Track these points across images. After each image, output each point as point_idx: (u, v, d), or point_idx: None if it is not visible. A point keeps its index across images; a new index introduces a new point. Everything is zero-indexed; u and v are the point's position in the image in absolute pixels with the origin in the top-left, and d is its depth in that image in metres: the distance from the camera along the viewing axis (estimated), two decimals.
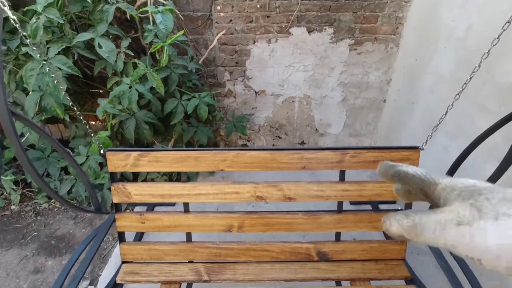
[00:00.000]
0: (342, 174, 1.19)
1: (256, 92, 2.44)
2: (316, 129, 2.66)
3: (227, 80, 2.37)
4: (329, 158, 1.13)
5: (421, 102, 2.00)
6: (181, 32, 1.66)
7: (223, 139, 2.65)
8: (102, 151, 1.10)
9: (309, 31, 2.20)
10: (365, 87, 2.46)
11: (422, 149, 1.21)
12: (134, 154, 1.07)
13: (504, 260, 0.20)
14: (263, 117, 2.58)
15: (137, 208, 1.87)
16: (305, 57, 2.30)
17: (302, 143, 2.75)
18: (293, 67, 2.33)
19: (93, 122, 2.45)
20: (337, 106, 2.55)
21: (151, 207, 1.53)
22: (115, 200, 1.12)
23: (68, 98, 1.10)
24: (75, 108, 1.10)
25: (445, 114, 1.13)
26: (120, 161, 1.08)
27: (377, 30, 2.22)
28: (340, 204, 1.21)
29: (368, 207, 1.92)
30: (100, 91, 2.12)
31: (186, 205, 1.17)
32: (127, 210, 2.08)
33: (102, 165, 1.96)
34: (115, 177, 1.11)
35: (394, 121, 2.38)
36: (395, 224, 0.27)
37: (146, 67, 1.78)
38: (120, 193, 1.11)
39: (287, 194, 1.15)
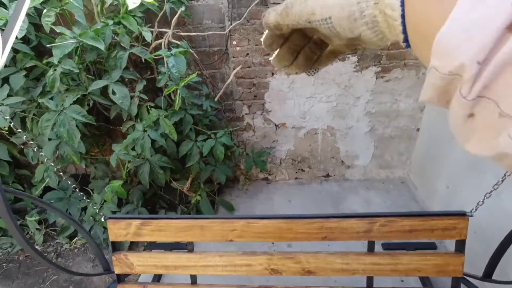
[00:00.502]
0: (371, 244, 1.01)
1: (276, 125, 2.33)
2: (342, 161, 2.48)
3: (246, 114, 2.29)
4: (355, 228, 0.96)
5: None
6: (194, 74, 1.60)
7: (243, 173, 2.55)
8: (103, 218, 1.02)
9: (310, 74, 2.05)
10: (395, 116, 2.26)
11: (470, 215, 1.01)
12: (136, 222, 0.99)
13: (336, 12, 0.23)
14: (284, 150, 2.44)
15: (142, 277, 1.76)
16: (328, 87, 2.15)
17: (327, 175, 2.56)
18: (314, 98, 2.20)
19: None
20: (364, 137, 2.36)
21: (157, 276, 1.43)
22: (117, 271, 1.04)
23: (83, 145, 1.06)
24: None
25: (502, 180, 0.93)
26: (121, 230, 1.00)
27: (406, 55, 2.03)
28: (369, 280, 1.03)
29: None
30: (119, 128, 2.12)
31: (193, 276, 1.05)
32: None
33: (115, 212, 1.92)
34: (116, 247, 1.03)
35: (431, 154, 2.14)
36: (272, 12, 0.27)
37: (161, 108, 1.74)
38: (122, 263, 1.03)
39: (306, 267, 0.99)
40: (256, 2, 1.86)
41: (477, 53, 0.15)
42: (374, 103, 2.20)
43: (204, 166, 2.03)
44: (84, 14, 1.77)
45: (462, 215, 1.02)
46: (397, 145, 2.39)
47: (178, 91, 1.57)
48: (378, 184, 2.51)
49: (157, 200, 2.39)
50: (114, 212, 1.76)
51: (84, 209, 2.14)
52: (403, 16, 0.20)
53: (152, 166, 1.72)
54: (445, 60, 0.17)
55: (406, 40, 0.21)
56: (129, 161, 1.72)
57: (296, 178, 2.60)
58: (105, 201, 1.79)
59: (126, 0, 1.45)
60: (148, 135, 1.59)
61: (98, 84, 1.57)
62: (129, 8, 1.45)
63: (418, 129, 2.30)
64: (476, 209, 1.05)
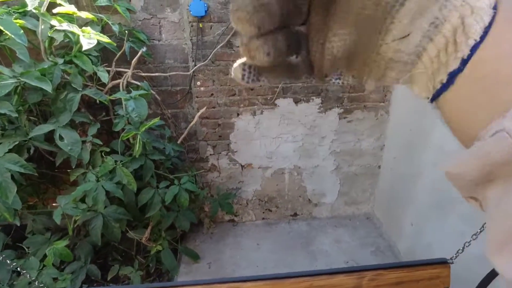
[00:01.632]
0: None
1: (242, 166, 2.24)
2: (309, 199, 2.45)
3: (210, 154, 2.18)
4: (344, 285, 0.89)
5: (423, 177, 1.84)
6: (157, 119, 1.48)
7: (208, 216, 2.38)
8: None
9: (296, 101, 2.08)
10: (358, 154, 2.32)
11: (451, 263, 1.00)
12: None
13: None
14: (251, 191, 2.35)
15: None
16: (294, 128, 2.16)
17: (295, 214, 2.51)
18: (281, 138, 2.18)
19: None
20: (330, 175, 2.37)
21: None
22: None
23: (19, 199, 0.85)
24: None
25: (480, 230, 0.93)
26: None
27: (365, 98, 2.13)
28: None
29: None
30: (66, 174, 1.86)
31: None
32: None
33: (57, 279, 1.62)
34: None
35: (394, 191, 2.20)
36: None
37: (118, 153, 1.57)
38: None
39: None
40: (221, 44, 1.84)
41: None
42: (339, 143, 2.25)
43: (165, 213, 1.84)
44: (29, 50, 1.60)
45: (444, 263, 1.00)
46: (361, 182, 2.43)
47: (138, 137, 1.43)
48: (345, 221, 2.51)
49: (109, 252, 2.10)
50: (55, 279, 1.48)
51: (18, 272, 1.79)
52: (475, 46, 0.15)
53: (105, 219, 1.50)
54: None
55: (452, 75, 0.16)
56: (77, 216, 1.49)
57: (263, 219, 2.50)
58: (44, 265, 1.51)
59: (80, 40, 1.32)
60: (103, 186, 1.39)
61: (42, 129, 1.37)
62: (84, 48, 1.32)
63: (379, 167, 2.38)
64: (456, 257, 1.05)
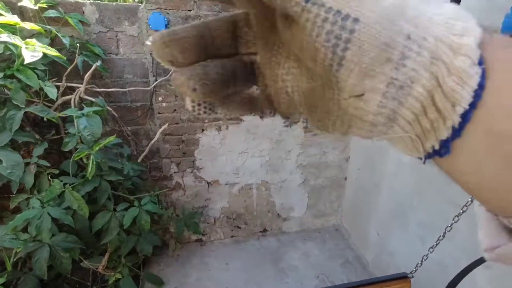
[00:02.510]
0: None
1: (208, 183, 2.17)
2: (278, 214, 2.42)
3: (174, 172, 2.08)
4: None
5: (385, 186, 1.89)
6: (113, 137, 1.38)
7: (173, 237, 2.25)
8: None
9: (261, 116, 2.07)
10: (325, 167, 2.35)
11: (411, 277, 1.01)
12: None
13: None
14: (218, 208, 2.27)
15: None
16: (260, 142, 2.14)
17: (264, 230, 2.46)
18: (247, 154, 2.15)
19: None
20: (297, 189, 2.37)
21: None
22: None
23: None
24: None
25: (436, 244, 0.95)
26: None
27: None
28: None
29: None
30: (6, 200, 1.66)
31: None
32: None
33: None
34: None
35: (359, 201, 2.25)
36: None
37: (69, 174, 1.43)
38: None
39: None
40: None
41: None
42: (305, 156, 2.26)
43: (125, 237, 1.70)
44: None
45: (404, 277, 1.02)
46: (328, 194, 2.46)
47: (92, 157, 1.31)
48: (314, 234, 2.50)
49: (60, 285, 1.89)
50: None
51: None
52: (473, 104, 0.12)
53: (52, 250, 1.35)
54: None
55: (445, 145, 0.13)
56: (19, 248, 1.32)
57: (232, 237, 2.42)
58: None
59: (23, 52, 1.20)
60: (48, 213, 1.25)
61: None
62: (26, 61, 1.20)
63: (345, 178, 2.43)
64: (415, 271, 1.06)
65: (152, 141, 1.79)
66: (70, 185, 1.33)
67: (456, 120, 0.13)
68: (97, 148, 1.34)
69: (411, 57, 0.13)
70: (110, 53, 1.77)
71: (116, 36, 1.75)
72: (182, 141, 2.02)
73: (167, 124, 1.84)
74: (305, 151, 2.25)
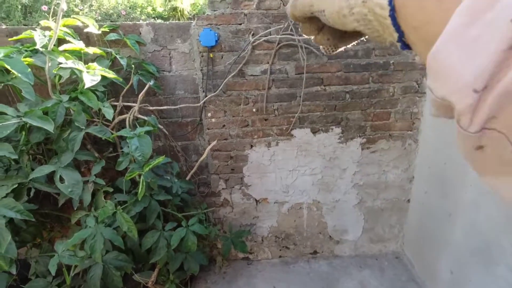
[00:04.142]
0: None
1: (256, 201, 2.09)
2: (330, 236, 2.24)
3: (222, 188, 2.05)
4: None
5: (462, 216, 1.60)
6: (162, 158, 1.38)
7: (220, 254, 2.21)
8: None
9: (314, 131, 1.93)
10: (384, 187, 2.11)
11: None
12: None
13: (329, 4, 0.23)
14: (267, 227, 2.18)
15: None
16: (312, 160, 2.00)
17: (315, 252, 2.29)
18: (298, 171, 2.02)
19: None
20: (352, 210, 2.16)
21: None
22: None
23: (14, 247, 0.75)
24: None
25: None
26: None
27: (391, 127, 1.95)
28: None
29: None
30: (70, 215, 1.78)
31: None
32: None
33: None
34: None
35: (427, 229, 1.96)
36: (288, 5, 0.28)
37: (123, 191, 1.46)
38: None
39: None
40: (232, 74, 1.75)
41: (475, 80, 0.14)
42: (361, 175, 2.05)
43: (173, 254, 1.70)
44: (39, 86, 1.57)
45: None
46: (388, 218, 2.20)
47: (142, 177, 1.32)
48: (371, 261, 2.26)
49: None
50: None
51: None
52: (393, 15, 0.19)
53: (105, 267, 1.38)
54: (439, 82, 0.16)
55: (401, 39, 0.20)
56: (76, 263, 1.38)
57: (280, 257, 2.30)
58: None
59: (84, 77, 1.26)
60: (101, 233, 1.28)
61: (43, 170, 1.30)
62: (86, 86, 1.25)
63: (408, 201, 2.15)
64: None
65: (201, 158, 1.77)
66: (121, 206, 1.35)
67: None
68: (147, 169, 1.34)
69: None
70: (164, 71, 1.80)
71: (169, 54, 1.77)
72: (231, 157, 1.97)
73: (216, 141, 1.81)
74: (361, 170, 2.04)
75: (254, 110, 1.86)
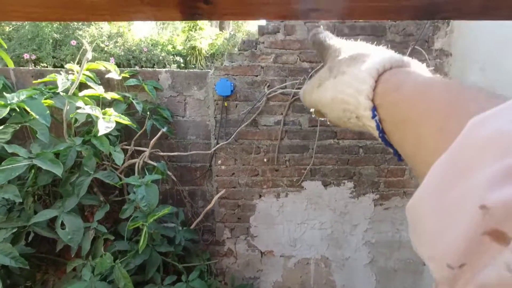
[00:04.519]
0: None
1: (262, 253, 1.98)
2: None
3: (227, 238, 1.96)
4: None
5: None
6: (167, 209, 1.33)
7: None
8: None
9: (325, 184, 1.88)
10: (398, 247, 1.98)
11: None
12: None
13: (330, 110, 0.27)
14: (271, 282, 2.04)
15: None
16: (321, 213, 1.92)
17: None
18: (307, 224, 1.93)
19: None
20: (363, 269, 2.02)
21: None
22: None
23: None
24: None
25: None
26: None
27: (405, 184, 1.88)
28: None
29: None
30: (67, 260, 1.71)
31: None
32: None
33: None
34: None
35: None
36: (302, 93, 0.32)
37: (124, 238, 1.40)
38: None
39: None
40: (246, 123, 1.76)
41: (448, 256, 0.13)
42: (374, 232, 1.95)
43: None
44: (55, 126, 1.59)
45: None
46: (402, 279, 2.05)
47: (145, 229, 1.27)
48: None
49: None
50: None
51: None
52: (380, 128, 0.23)
53: None
54: (417, 237, 0.16)
55: (386, 140, 0.24)
56: None
57: None
58: None
59: (98, 125, 1.27)
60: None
61: (45, 215, 1.27)
62: (100, 133, 1.26)
63: (424, 264, 2.00)
64: None
65: (208, 207, 1.72)
66: (120, 257, 1.29)
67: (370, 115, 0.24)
68: (151, 220, 1.29)
69: (350, 102, 0.25)
70: (178, 116, 1.82)
71: (185, 100, 1.80)
72: (238, 206, 1.91)
73: (224, 190, 1.76)
74: (374, 227, 1.94)
75: (265, 160, 1.83)
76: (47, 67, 2.74)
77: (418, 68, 0.24)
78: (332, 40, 0.32)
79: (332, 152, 1.82)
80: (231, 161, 1.84)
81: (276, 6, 0.43)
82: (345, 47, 0.29)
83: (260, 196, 1.89)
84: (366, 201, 1.90)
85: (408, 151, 0.21)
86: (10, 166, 1.22)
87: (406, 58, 0.25)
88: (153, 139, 1.53)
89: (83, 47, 1.50)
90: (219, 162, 1.84)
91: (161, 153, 1.68)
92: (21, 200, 1.22)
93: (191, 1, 0.40)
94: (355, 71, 0.25)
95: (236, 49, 1.75)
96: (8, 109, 1.26)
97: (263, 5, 0.43)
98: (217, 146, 1.78)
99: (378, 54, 0.25)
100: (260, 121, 1.79)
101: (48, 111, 1.38)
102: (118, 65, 2.58)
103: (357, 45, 0.29)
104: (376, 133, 0.24)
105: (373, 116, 0.23)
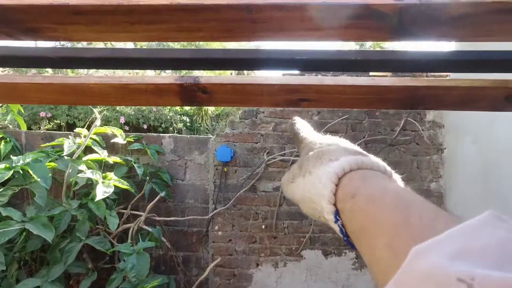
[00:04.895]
0: None
1: None
2: None
3: None
4: None
5: None
6: (156, 282, 1.26)
7: None
8: None
9: (326, 254, 1.79)
10: None
11: None
12: None
13: (302, 206, 0.28)
14: None
15: None
16: (322, 285, 1.79)
17: None
18: None
19: None
20: None
21: None
22: None
23: None
24: None
25: None
26: None
27: None
28: None
29: None
30: None
31: None
32: None
33: None
34: None
35: None
36: (282, 186, 0.33)
37: None
38: None
39: None
40: (245, 189, 1.76)
41: None
42: None
43: None
44: (54, 185, 1.61)
45: None
46: None
47: None
48: None
49: None
50: None
51: None
52: (344, 233, 0.24)
53: None
54: None
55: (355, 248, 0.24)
56: None
57: None
58: None
59: (97, 190, 1.28)
60: None
61: (26, 285, 1.20)
62: (97, 199, 1.27)
63: None
64: None
65: (202, 277, 1.62)
66: None
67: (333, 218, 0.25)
68: None
69: (317, 203, 0.26)
70: (178, 179, 1.84)
71: (185, 164, 1.84)
72: (234, 275, 1.80)
73: (219, 258, 1.69)
74: None
75: (263, 226, 1.79)
76: (60, 124, 2.86)
77: (377, 168, 0.25)
78: (306, 133, 0.34)
79: None
80: (228, 226, 1.79)
81: (269, 96, 0.47)
82: (316, 142, 0.30)
83: (258, 264, 1.79)
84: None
85: (366, 260, 0.21)
86: (2, 230, 1.21)
87: (366, 159, 0.25)
88: (150, 204, 1.52)
89: (97, 107, 1.61)
90: (216, 227, 1.79)
91: (157, 218, 1.65)
92: (4, 268, 1.18)
93: (190, 91, 0.45)
94: (318, 173, 0.26)
95: (237, 116, 1.85)
96: (11, 172, 1.30)
97: (256, 95, 0.47)
98: (215, 211, 1.76)
99: (340, 155, 0.26)
100: (259, 187, 1.79)
101: (50, 174, 1.41)
102: (128, 123, 2.68)
103: (326, 141, 0.30)
104: (337, 227, 0.24)
105: (336, 221, 0.24)
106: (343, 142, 0.29)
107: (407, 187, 0.24)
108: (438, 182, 1.80)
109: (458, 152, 1.68)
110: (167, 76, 0.45)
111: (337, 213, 0.24)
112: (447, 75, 1.46)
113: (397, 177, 0.26)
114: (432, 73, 1.55)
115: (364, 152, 0.27)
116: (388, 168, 0.26)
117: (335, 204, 0.24)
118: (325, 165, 0.26)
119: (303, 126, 0.35)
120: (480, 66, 0.42)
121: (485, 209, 0.16)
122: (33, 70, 2.98)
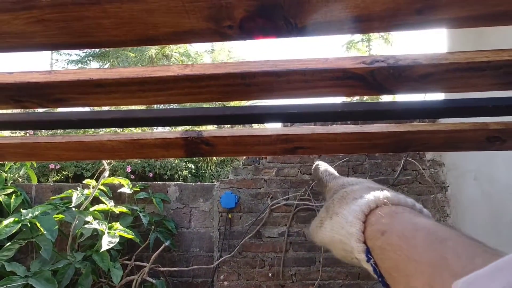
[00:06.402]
0: None
1: None
2: None
3: None
4: None
5: None
6: None
7: None
8: None
9: None
10: None
11: None
12: None
13: (333, 249, 0.28)
14: None
15: None
16: None
17: None
18: None
19: None
20: None
21: None
22: None
23: None
24: None
25: None
26: None
27: None
28: None
29: None
30: None
31: None
32: None
33: None
34: None
35: None
36: (311, 232, 0.32)
37: None
38: None
39: None
40: (250, 235, 1.73)
41: None
42: None
43: None
44: (60, 237, 1.60)
45: None
46: None
47: None
48: None
49: None
50: None
51: None
52: (378, 272, 0.23)
53: None
54: None
55: (384, 282, 0.23)
56: None
57: None
58: None
59: (102, 241, 1.28)
60: None
61: None
62: (102, 249, 1.26)
63: None
64: None
65: None
66: None
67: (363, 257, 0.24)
68: None
69: (347, 243, 0.26)
70: (182, 227, 1.82)
71: (190, 212, 1.84)
72: None
73: None
74: None
75: (269, 274, 1.72)
76: (68, 175, 2.91)
77: (404, 204, 0.24)
78: (329, 176, 0.34)
79: (341, 265, 1.72)
80: (234, 276, 1.73)
81: (266, 146, 0.52)
82: (339, 184, 0.30)
83: None
84: None
85: None
86: (5, 287, 1.19)
87: (391, 195, 0.24)
88: (155, 254, 1.50)
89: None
90: (222, 277, 1.73)
91: (162, 269, 1.61)
92: None
93: (194, 144, 0.50)
94: (344, 213, 0.25)
95: (241, 163, 1.90)
96: (19, 225, 1.32)
97: (254, 145, 0.52)
98: (220, 259, 1.71)
99: (364, 192, 0.25)
100: (264, 232, 1.77)
101: (56, 226, 1.42)
102: (134, 172, 2.73)
103: (350, 181, 0.30)
104: (371, 268, 0.23)
105: (368, 260, 0.23)
106: (367, 182, 0.29)
107: (439, 222, 0.23)
108: (446, 221, 1.76)
109: (462, 190, 1.67)
110: (173, 131, 0.50)
111: (368, 252, 0.23)
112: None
113: (427, 213, 0.25)
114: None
115: (390, 190, 0.26)
116: (418, 204, 0.25)
117: (365, 243, 0.23)
118: (351, 204, 0.26)
119: (326, 170, 0.36)
120: (459, 112, 0.46)
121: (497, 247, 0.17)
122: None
